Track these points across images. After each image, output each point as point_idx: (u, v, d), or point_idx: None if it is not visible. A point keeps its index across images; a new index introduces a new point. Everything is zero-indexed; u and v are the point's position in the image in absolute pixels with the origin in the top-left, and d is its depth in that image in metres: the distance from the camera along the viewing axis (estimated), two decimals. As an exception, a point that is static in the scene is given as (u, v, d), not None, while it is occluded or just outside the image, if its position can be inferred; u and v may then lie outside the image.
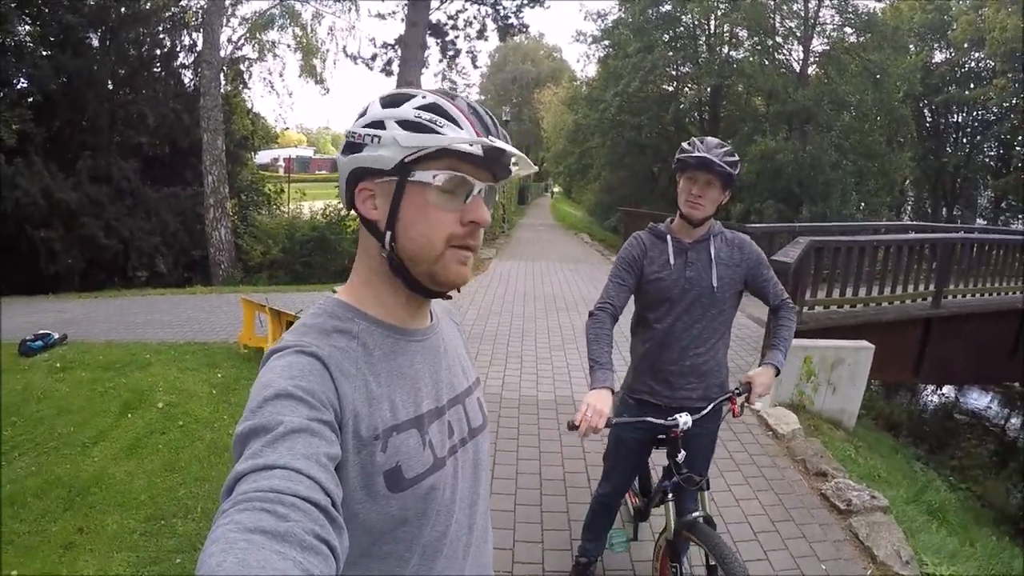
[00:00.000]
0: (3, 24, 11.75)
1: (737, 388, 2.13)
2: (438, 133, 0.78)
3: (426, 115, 0.79)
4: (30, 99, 12.42)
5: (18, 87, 12.47)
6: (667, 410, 2.13)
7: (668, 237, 2.15)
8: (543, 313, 7.84)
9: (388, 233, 0.82)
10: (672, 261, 2.13)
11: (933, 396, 12.88)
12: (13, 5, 11.64)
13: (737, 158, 2.01)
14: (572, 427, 1.79)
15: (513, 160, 0.85)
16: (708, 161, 1.94)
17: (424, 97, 0.81)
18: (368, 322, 0.85)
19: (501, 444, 3.98)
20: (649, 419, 2.02)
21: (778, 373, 2.11)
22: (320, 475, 0.63)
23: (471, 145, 0.78)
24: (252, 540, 0.53)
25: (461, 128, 0.79)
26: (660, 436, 2.16)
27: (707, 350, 2.18)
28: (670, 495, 2.11)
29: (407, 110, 0.80)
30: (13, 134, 11.22)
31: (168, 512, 3.34)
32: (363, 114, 0.84)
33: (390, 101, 0.83)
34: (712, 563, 1.98)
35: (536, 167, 0.89)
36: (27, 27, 12.63)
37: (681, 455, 2.07)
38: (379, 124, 0.81)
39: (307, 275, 12.53)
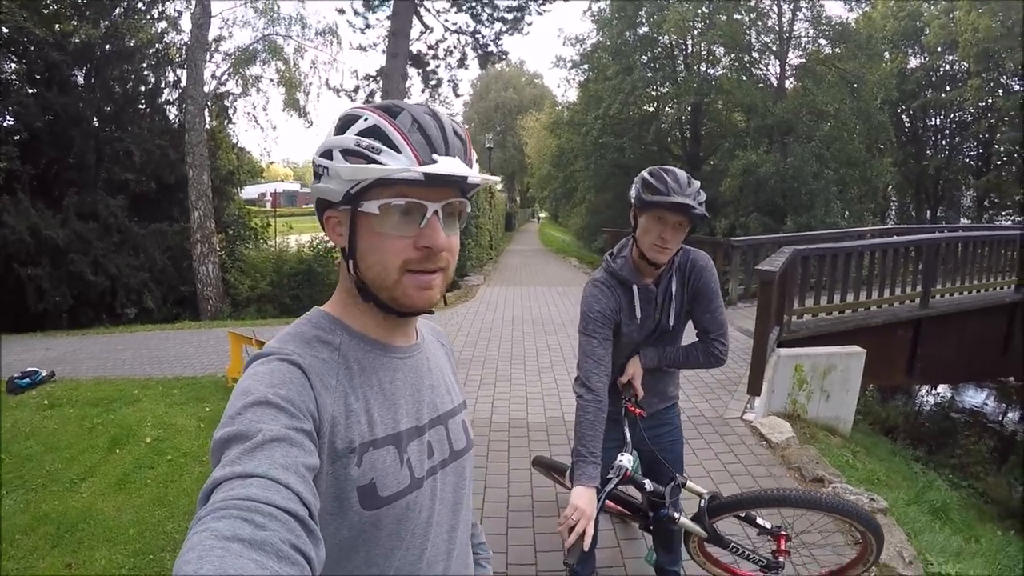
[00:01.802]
0: None
1: (624, 396, 2.07)
2: (376, 163, 0.76)
3: (365, 142, 0.77)
4: (16, 136, 12.42)
5: (4, 124, 12.50)
6: (615, 418, 2.10)
7: (634, 288, 1.97)
8: (531, 336, 7.83)
9: (351, 261, 0.83)
10: (639, 313, 1.98)
11: (928, 396, 12.91)
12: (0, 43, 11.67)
13: (703, 197, 1.83)
14: (569, 548, 1.64)
15: (475, 174, 0.81)
16: (685, 206, 1.76)
17: (366, 119, 0.79)
18: (351, 335, 0.85)
19: (492, 467, 3.94)
20: (604, 491, 1.85)
21: (645, 368, 2.05)
22: (298, 485, 0.62)
23: (410, 172, 0.75)
24: (229, 548, 0.52)
25: (400, 152, 0.76)
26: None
27: (660, 373, 2.13)
28: (675, 515, 2.02)
29: (349, 138, 0.78)
30: (0, 172, 11.19)
31: (156, 546, 3.29)
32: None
33: (339, 126, 0.81)
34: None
35: (496, 179, 0.87)
36: (13, 65, 12.70)
37: (647, 484, 2.00)
38: (328, 154, 0.79)
39: (295, 308, 12.47)
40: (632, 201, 1.89)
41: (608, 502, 2.12)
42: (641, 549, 2.91)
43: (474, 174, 0.79)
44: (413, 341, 0.93)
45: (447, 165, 0.77)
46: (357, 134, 0.78)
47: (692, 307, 2.03)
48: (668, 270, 1.98)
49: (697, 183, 1.83)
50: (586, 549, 1.64)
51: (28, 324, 10.98)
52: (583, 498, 1.69)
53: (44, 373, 6.46)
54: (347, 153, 0.77)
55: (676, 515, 1.98)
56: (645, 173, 1.86)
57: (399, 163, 0.75)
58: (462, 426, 0.97)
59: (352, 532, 0.78)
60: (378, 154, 0.76)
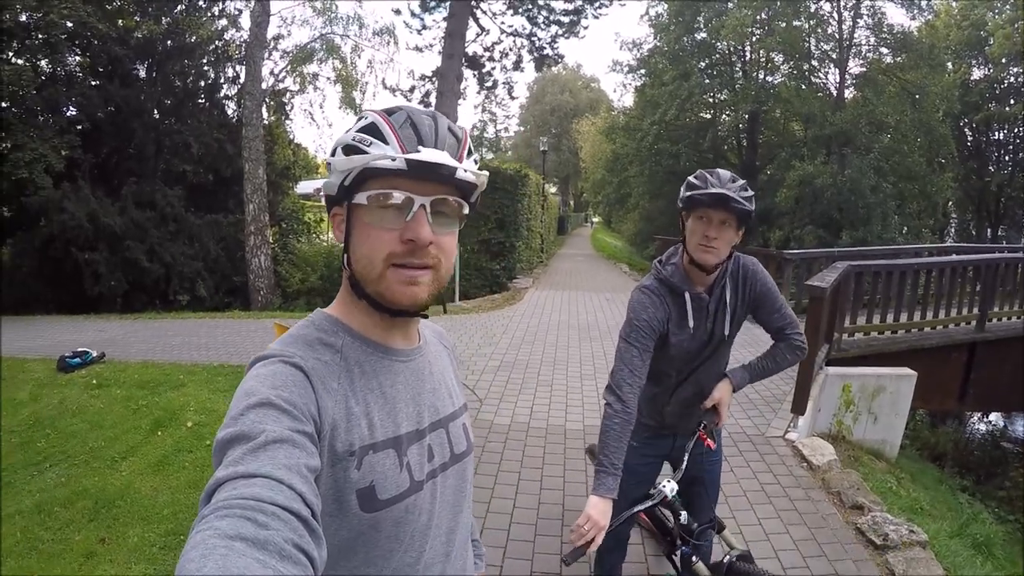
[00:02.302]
0: (54, 54, 12.44)
1: (701, 421, 1.94)
2: (364, 153, 0.79)
3: (358, 136, 0.80)
4: (79, 126, 13.04)
5: (67, 115, 13.14)
6: (660, 432, 2.08)
7: (687, 295, 1.89)
8: (576, 342, 7.74)
9: (345, 256, 0.85)
10: (692, 323, 1.90)
11: (980, 424, 12.33)
12: (64, 36, 12.27)
13: (751, 193, 1.76)
14: (572, 548, 1.61)
15: (465, 168, 0.82)
16: (725, 197, 1.70)
17: (366, 118, 0.82)
18: (352, 337, 0.86)
19: (525, 473, 3.91)
20: (635, 508, 1.83)
21: (735, 390, 1.94)
22: (301, 486, 0.63)
23: (393, 160, 0.78)
24: (232, 547, 0.52)
25: (387, 144, 0.79)
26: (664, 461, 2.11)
27: (707, 386, 2.03)
28: (694, 559, 1.94)
29: (349, 134, 0.81)
30: (62, 159, 11.77)
31: (189, 527, 3.34)
32: None
33: (349, 127, 0.84)
34: None
35: (485, 173, 0.86)
36: (77, 57, 13.36)
37: (683, 516, 1.94)
38: (334, 151, 0.83)
39: (344, 303, 12.73)
40: (679, 205, 1.85)
41: (642, 515, 2.05)
42: (667, 567, 2.84)
43: (462, 168, 0.81)
44: (415, 344, 0.94)
45: (430, 155, 0.78)
46: (356, 131, 0.81)
47: (757, 312, 1.96)
48: (721, 278, 1.90)
49: (742, 182, 1.77)
50: (587, 552, 1.61)
51: (83, 307, 11.47)
52: (597, 508, 1.65)
53: (94, 354, 6.71)
54: (346, 148, 0.81)
55: (695, 559, 1.91)
56: (689, 178, 1.83)
57: (384, 151, 0.78)
58: (463, 429, 0.97)
59: (351, 534, 0.78)
60: (368, 146, 0.79)
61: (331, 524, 0.76)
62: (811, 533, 3.33)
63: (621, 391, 1.83)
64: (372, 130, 0.80)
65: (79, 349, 6.72)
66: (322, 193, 0.88)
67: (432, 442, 0.89)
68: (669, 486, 1.85)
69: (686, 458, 1.92)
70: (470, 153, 0.85)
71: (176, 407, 5.20)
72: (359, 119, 0.84)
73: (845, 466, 4.30)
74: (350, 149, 0.80)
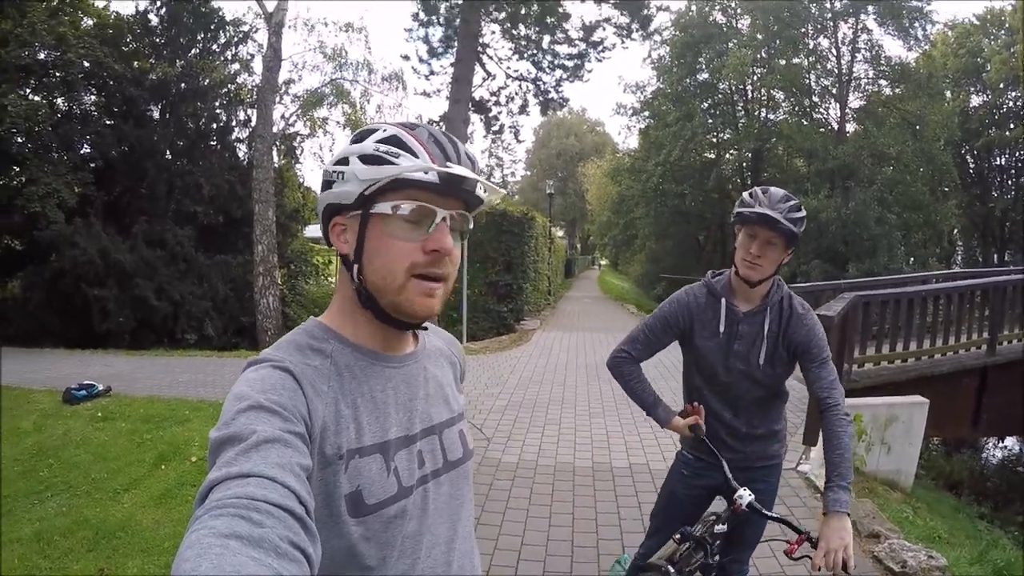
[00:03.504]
0: (71, 92, 12.80)
1: (806, 533, 1.69)
2: (393, 164, 0.79)
3: (383, 147, 0.80)
4: (92, 164, 13.38)
5: (82, 152, 13.50)
6: (720, 467, 1.98)
7: (723, 301, 1.91)
8: (584, 382, 7.72)
9: (356, 266, 0.84)
10: (721, 330, 1.91)
11: (995, 450, 12.08)
12: (80, 76, 12.64)
13: (803, 213, 1.78)
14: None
15: (481, 187, 0.84)
16: (770, 218, 1.72)
17: (385, 131, 0.83)
18: (342, 344, 0.86)
19: (533, 510, 3.87)
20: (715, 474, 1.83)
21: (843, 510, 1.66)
22: (294, 484, 0.63)
23: (426, 173, 0.79)
24: (227, 545, 0.52)
25: (417, 157, 0.79)
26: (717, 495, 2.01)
27: (756, 420, 1.98)
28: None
29: (368, 144, 0.81)
30: (75, 195, 12.01)
31: (190, 561, 3.31)
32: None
33: (356, 137, 0.85)
34: None
35: (503, 191, 0.89)
36: (93, 96, 13.74)
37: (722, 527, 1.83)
38: (344, 160, 0.82)
39: (352, 343, 12.78)
40: (732, 218, 1.90)
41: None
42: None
43: (483, 185, 0.84)
44: (409, 350, 0.93)
45: (460, 169, 0.80)
46: (377, 141, 0.81)
47: (800, 362, 1.88)
48: (763, 306, 1.89)
49: (796, 202, 1.78)
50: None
51: (91, 342, 11.51)
52: (678, 425, 1.90)
53: (100, 387, 6.72)
54: (366, 159, 0.80)
55: None
56: (744, 194, 1.86)
57: (416, 164, 0.79)
58: (459, 436, 0.96)
59: (343, 541, 0.78)
60: (396, 157, 0.79)
61: (323, 531, 0.73)
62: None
63: (620, 349, 2.03)
64: (396, 142, 0.80)
65: (85, 382, 6.73)
66: (320, 207, 0.88)
67: (423, 448, 0.88)
68: (746, 496, 1.72)
69: (750, 496, 1.77)
70: (480, 173, 0.87)
71: (180, 442, 5.17)
72: (374, 130, 0.84)
73: (860, 496, 4.22)
74: (373, 159, 0.80)
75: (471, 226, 0.88)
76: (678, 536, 1.79)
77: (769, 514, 1.74)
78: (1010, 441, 12.13)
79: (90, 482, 4.43)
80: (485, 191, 0.85)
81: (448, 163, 0.80)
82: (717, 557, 1.80)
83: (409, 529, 0.83)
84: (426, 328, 0.95)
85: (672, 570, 1.67)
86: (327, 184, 0.85)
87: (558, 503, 4.00)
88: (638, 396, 2.01)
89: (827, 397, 1.80)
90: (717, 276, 2.00)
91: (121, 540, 3.56)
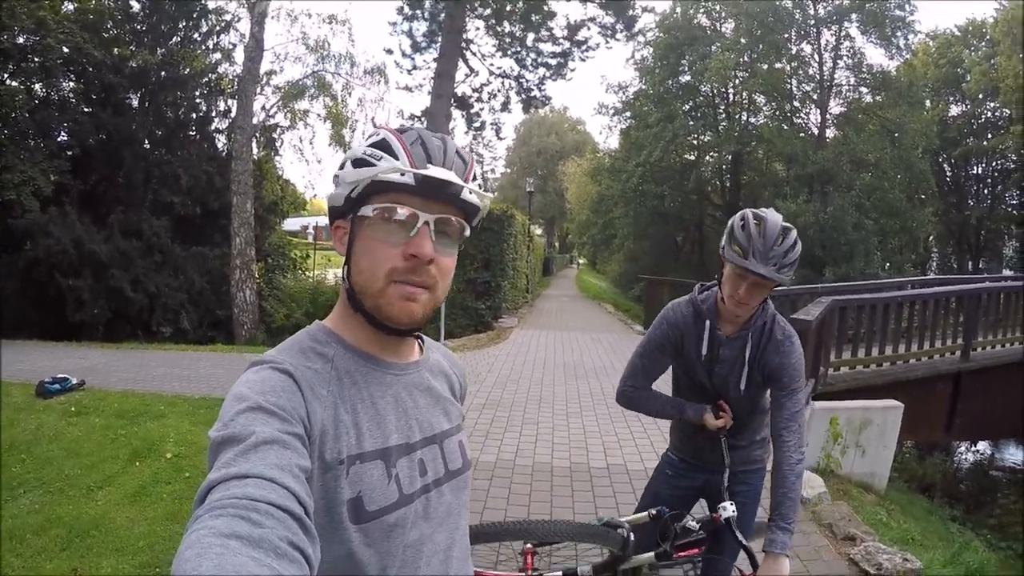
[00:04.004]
0: (49, 78, 12.52)
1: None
2: (374, 165, 0.80)
3: (370, 151, 0.82)
4: (69, 152, 13.01)
5: (59, 139, 13.13)
6: (695, 464, 2.05)
7: (707, 323, 1.88)
8: (562, 381, 7.76)
9: (345, 267, 0.86)
10: (704, 352, 1.89)
11: (968, 454, 12.34)
12: (59, 61, 12.31)
13: (798, 250, 1.68)
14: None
15: (469, 190, 0.83)
16: (762, 274, 1.65)
17: (378, 135, 0.84)
18: (344, 348, 0.86)
19: (512, 511, 3.87)
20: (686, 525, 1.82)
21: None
22: (293, 485, 0.63)
23: (401, 175, 0.79)
24: (227, 545, 0.52)
25: (396, 159, 0.80)
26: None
27: (739, 433, 1.99)
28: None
29: (360, 149, 0.83)
30: (50, 184, 11.70)
31: (164, 560, 3.26)
32: None
33: (360, 142, 0.87)
34: None
35: (491, 195, 0.89)
36: (71, 83, 13.42)
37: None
38: (343, 164, 0.85)
39: (329, 340, 12.65)
40: (720, 247, 1.78)
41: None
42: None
43: (468, 189, 0.83)
44: (411, 359, 0.94)
45: (438, 172, 0.80)
46: (368, 145, 0.83)
47: (770, 388, 1.87)
48: (744, 330, 1.85)
49: (792, 238, 1.68)
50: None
51: (65, 333, 11.25)
52: (710, 420, 1.88)
53: (74, 381, 6.57)
54: (355, 162, 0.83)
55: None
56: (737, 218, 1.74)
57: (393, 165, 0.80)
58: (458, 446, 0.96)
59: (343, 547, 0.77)
60: (378, 160, 0.81)
61: (324, 537, 0.73)
62: (804, 566, 3.29)
63: (625, 384, 2.01)
64: (383, 145, 0.82)
65: (59, 375, 6.58)
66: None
67: (424, 457, 0.88)
68: (728, 509, 1.74)
69: (726, 497, 1.83)
70: (474, 178, 0.86)
71: (155, 438, 5.07)
72: (371, 135, 0.85)
73: (835, 499, 4.29)
74: (360, 162, 0.82)
75: (467, 233, 0.87)
76: (654, 512, 1.86)
77: (740, 538, 1.72)
78: (982, 445, 12.38)
79: (63, 479, 4.33)
80: (472, 194, 0.84)
81: (429, 164, 0.80)
82: (670, 547, 1.81)
83: (410, 537, 0.83)
84: (420, 336, 0.95)
85: (631, 535, 1.75)
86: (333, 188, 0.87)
87: (536, 503, 4.01)
88: (661, 411, 2.00)
89: (783, 430, 1.77)
90: (705, 292, 1.95)
91: (95, 539, 3.49)
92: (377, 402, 0.85)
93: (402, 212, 0.80)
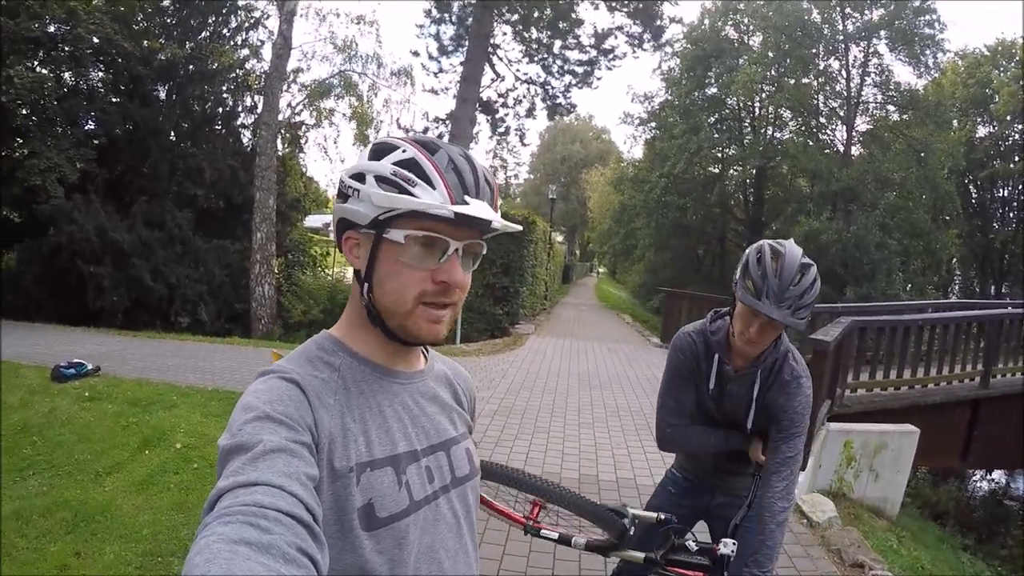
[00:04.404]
0: (78, 67, 12.72)
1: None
2: (409, 195, 0.78)
3: (401, 172, 0.79)
4: (95, 141, 13.20)
5: (85, 128, 13.31)
6: (699, 484, 2.02)
7: (716, 357, 1.82)
8: (576, 390, 7.70)
9: (366, 284, 0.84)
10: (711, 386, 1.83)
11: (982, 482, 12.12)
12: (89, 51, 12.52)
13: (816, 289, 1.59)
14: None
15: (499, 220, 0.83)
16: (775, 319, 1.56)
17: (404, 151, 0.81)
18: (351, 358, 0.86)
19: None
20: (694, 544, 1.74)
21: None
22: (301, 492, 0.64)
23: (441, 209, 0.77)
24: (236, 551, 0.53)
25: (434, 189, 0.78)
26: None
27: (743, 460, 1.94)
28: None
29: (385, 165, 0.80)
30: (76, 171, 11.88)
31: (167, 550, 3.28)
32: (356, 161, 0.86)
33: (375, 152, 0.83)
34: None
35: (519, 227, 0.90)
36: (100, 73, 13.63)
37: None
38: (360, 177, 0.81)
39: (345, 338, 12.68)
40: (733, 282, 1.71)
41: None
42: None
43: (498, 220, 0.82)
44: (417, 368, 0.94)
45: (478, 208, 0.79)
46: (394, 163, 0.80)
47: (769, 427, 1.80)
48: (754, 367, 1.77)
49: (810, 277, 1.58)
50: None
51: (84, 319, 11.42)
52: (756, 452, 1.84)
53: (90, 366, 6.65)
54: (381, 180, 0.79)
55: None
56: (753, 251, 1.64)
57: (433, 198, 0.78)
58: (466, 453, 0.96)
59: (355, 556, 0.77)
60: (413, 186, 0.78)
61: (335, 547, 0.74)
62: (810, 591, 3.23)
63: (663, 427, 1.92)
64: (414, 167, 0.79)
65: (75, 360, 6.67)
66: (329, 226, 0.87)
67: (431, 464, 0.89)
68: (729, 546, 1.66)
69: (737, 520, 1.80)
70: (498, 200, 0.87)
71: (166, 427, 5.12)
72: (393, 148, 0.82)
73: (845, 523, 4.22)
74: (388, 183, 0.79)
75: (484, 251, 0.88)
76: (662, 517, 1.82)
77: None
78: (997, 473, 12.16)
79: (73, 463, 4.39)
80: (500, 224, 0.84)
81: (467, 196, 0.79)
82: (660, 557, 1.76)
83: (420, 544, 0.84)
84: (425, 348, 0.96)
85: (632, 529, 1.74)
86: (342, 196, 0.84)
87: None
88: (705, 444, 1.91)
89: (773, 475, 1.69)
90: (718, 320, 1.87)
91: (100, 524, 3.53)
92: (384, 410, 0.85)
93: (435, 240, 0.80)
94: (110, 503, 3.78)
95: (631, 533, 1.77)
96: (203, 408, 5.74)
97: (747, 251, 1.68)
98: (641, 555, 1.77)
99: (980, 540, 8.10)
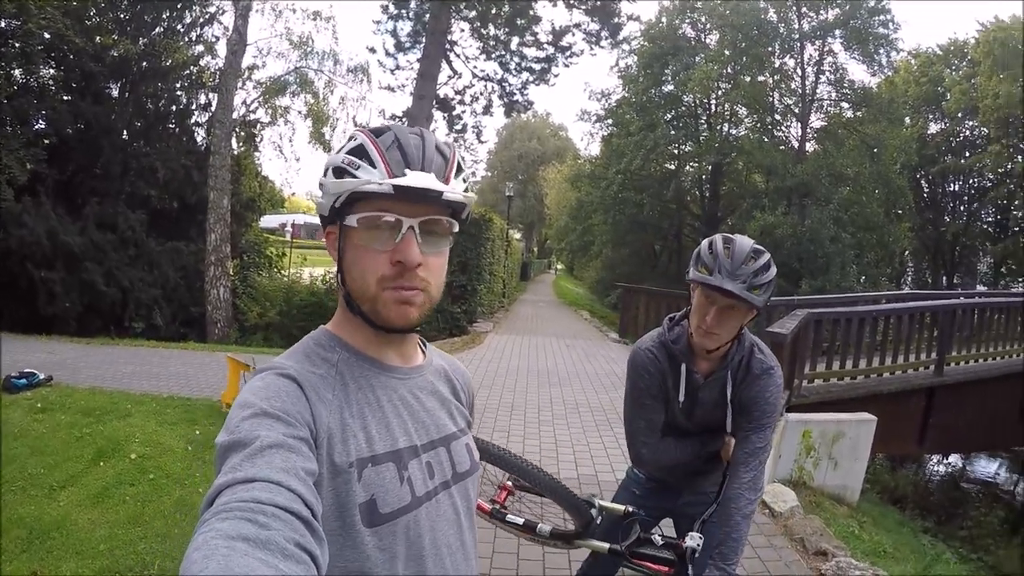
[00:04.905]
0: (29, 64, 12.17)
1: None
2: (353, 176, 0.80)
3: (348, 159, 0.81)
4: (46, 140, 12.66)
5: (36, 127, 12.75)
6: (666, 485, 2.00)
7: (683, 367, 1.76)
8: (535, 388, 7.70)
9: (340, 275, 0.87)
10: (681, 398, 1.77)
11: (939, 466, 12.54)
12: (40, 48, 12.04)
13: (771, 273, 1.57)
14: None
15: (452, 191, 0.82)
16: (729, 292, 1.53)
17: (356, 140, 0.83)
18: (349, 352, 0.87)
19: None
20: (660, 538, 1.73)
21: None
22: (299, 487, 0.64)
23: (380, 185, 0.78)
24: (234, 547, 0.53)
25: (374, 168, 0.79)
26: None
27: (711, 464, 1.92)
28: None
29: (339, 156, 0.82)
30: (26, 172, 11.40)
31: (125, 566, 3.18)
32: None
33: (338, 147, 0.85)
34: None
35: (473, 196, 0.88)
36: (51, 70, 13.07)
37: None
38: (324, 172, 0.84)
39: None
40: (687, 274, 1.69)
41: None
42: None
43: (449, 190, 0.81)
44: (415, 364, 0.94)
45: (416, 179, 0.79)
46: (346, 152, 0.82)
47: (740, 418, 1.76)
48: (723, 367, 1.73)
49: (763, 260, 1.56)
50: None
51: (36, 326, 11.00)
52: (729, 448, 1.77)
53: (42, 376, 6.43)
54: (336, 171, 0.82)
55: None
56: (705, 242, 1.63)
57: (371, 176, 0.79)
58: (466, 448, 0.97)
59: (356, 551, 0.77)
60: (357, 169, 0.80)
61: (335, 543, 0.75)
62: (774, 581, 3.29)
63: (639, 449, 1.86)
64: (360, 152, 0.81)
65: (26, 370, 6.43)
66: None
67: (431, 460, 0.89)
68: (695, 540, 1.63)
69: (706, 515, 1.79)
70: (459, 171, 0.85)
71: (120, 437, 4.97)
72: (349, 139, 0.85)
73: (807, 512, 4.30)
74: (340, 171, 0.81)
75: (455, 229, 0.87)
76: (630, 510, 1.80)
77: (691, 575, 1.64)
78: (954, 458, 12.59)
79: (26, 477, 4.23)
80: (454, 194, 0.83)
81: (407, 169, 0.79)
82: (624, 549, 1.74)
83: (422, 539, 0.84)
84: (423, 342, 0.98)
85: (598, 519, 1.75)
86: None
87: (505, 513, 3.96)
88: (683, 455, 1.87)
89: (741, 466, 1.66)
90: (674, 327, 1.82)
91: (56, 541, 3.41)
92: (384, 405, 0.86)
93: (386, 219, 0.81)
94: (65, 518, 3.66)
95: (597, 523, 1.76)
96: (158, 416, 5.59)
97: (699, 245, 1.67)
98: (606, 546, 1.75)
99: (939, 522, 8.35)
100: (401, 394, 0.89)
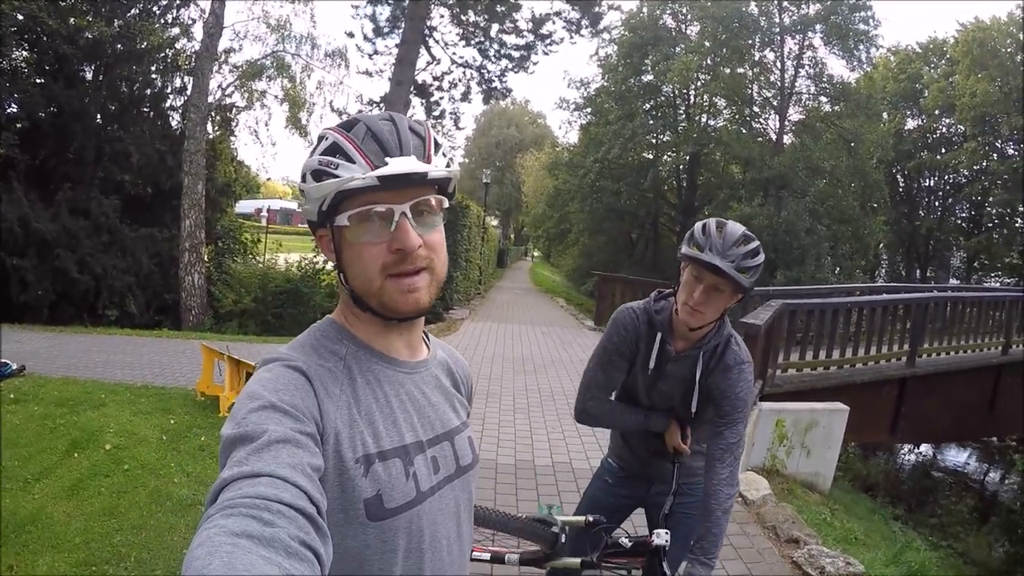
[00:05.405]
0: (1, 47, 11.79)
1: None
2: (334, 176, 0.79)
3: (325, 159, 0.80)
4: (18, 124, 12.33)
5: (7, 111, 12.41)
6: (637, 474, 2.00)
7: (659, 337, 1.78)
8: (510, 375, 7.70)
9: (340, 275, 0.87)
10: (651, 367, 1.79)
11: (910, 455, 12.84)
12: (13, 29, 11.70)
13: (759, 259, 1.61)
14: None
15: (435, 168, 0.82)
16: (718, 269, 1.57)
17: (327, 139, 0.82)
18: (356, 346, 0.87)
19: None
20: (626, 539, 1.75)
21: None
22: (305, 484, 0.64)
23: (363, 179, 0.78)
24: (238, 544, 0.52)
25: (353, 163, 0.79)
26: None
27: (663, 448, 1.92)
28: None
29: (314, 160, 0.81)
30: (-2, 157, 11.10)
31: (101, 558, 3.14)
32: None
33: (312, 150, 0.84)
34: None
35: (456, 168, 0.88)
36: (24, 53, 12.67)
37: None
38: (303, 178, 0.83)
39: (278, 327, 12.28)
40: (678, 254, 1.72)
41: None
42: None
43: (433, 168, 0.81)
44: (420, 357, 0.95)
45: (398, 165, 0.79)
46: (320, 154, 0.81)
47: (712, 413, 1.78)
48: (696, 348, 1.75)
49: (753, 245, 1.61)
50: None
51: (8, 314, 10.76)
52: (674, 436, 1.84)
53: (14, 366, 6.30)
54: (315, 174, 0.81)
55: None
56: (698, 223, 1.68)
57: (353, 172, 0.78)
58: (468, 442, 0.98)
59: (357, 543, 0.78)
60: (336, 169, 0.79)
61: (337, 533, 0.74)
62: (747, 568, 3.35)
63: (585, 400, 1.87)
64: (335, 150, 0.80)
65: (-1, 360, 6.30)
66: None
67: (436, 454, 0.89)
68: (664, 537, 1.65)
69: (666, 509, 1.80)
70: (437, 147, 0.85)
71: (95, 428, 4.90)
72: (320, 140, 0.83)
73: (780, 499, 4.36)
74: (319, 174, 0.80)
75: (446, 205, 0.87)
76: (591, 519, 1.82)
77: (666, 571, 1.65)
78: (924, 447, 12.89)
79: (-1, 470, 4.16)
80: (439, 171, 0.83)
81: (387, 158, 0.79)
82: (597, 558, 1.78)
83: (424, 533, 0.84)
84: (426, 335, 0.98)
85: (562, 536, 1.77)
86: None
87: (480, 500, 3.96)
88: (624, 421, 1.91)
89: (717, 461, 1.68)
90: (661, 300, 1.84)
91: (31, 535, 3.35)
92: (391, 400, 0.86)
93: (377, 211, 0.80)
94: (40, 511, 3.60)
95: (563, 541, 1.78)
96: (132, 406, 5.51)
97: (693, 227, 1.71)
98: (577, 560, 1.77)
99: (910, 510, 8.55)
100: (408, 389, 0.89)
